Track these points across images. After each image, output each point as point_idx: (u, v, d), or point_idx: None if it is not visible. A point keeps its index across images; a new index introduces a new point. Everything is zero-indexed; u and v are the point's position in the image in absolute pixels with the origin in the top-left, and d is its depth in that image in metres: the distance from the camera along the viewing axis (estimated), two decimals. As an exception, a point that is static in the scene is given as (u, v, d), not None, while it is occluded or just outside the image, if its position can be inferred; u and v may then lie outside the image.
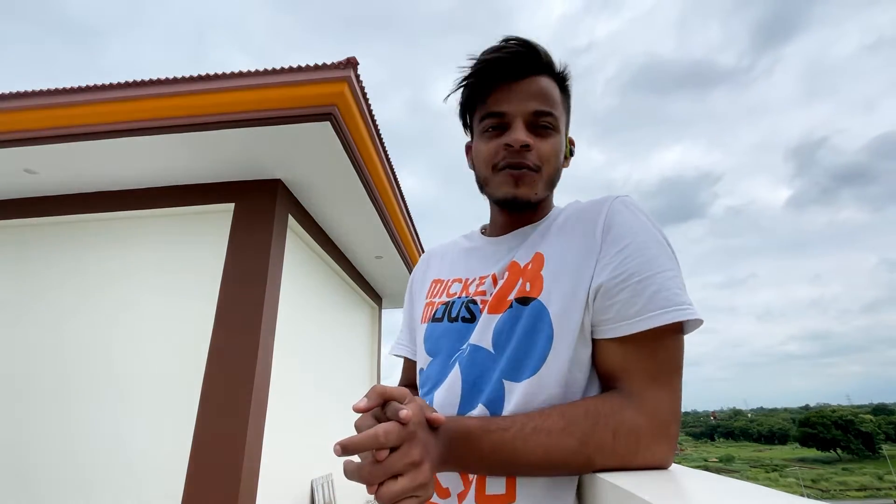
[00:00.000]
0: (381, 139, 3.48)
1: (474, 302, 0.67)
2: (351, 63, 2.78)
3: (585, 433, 0.49)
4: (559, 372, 0.56)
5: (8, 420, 3.18)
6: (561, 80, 0.69)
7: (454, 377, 0.63)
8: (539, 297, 0.59)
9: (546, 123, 0.65)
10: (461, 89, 0.69)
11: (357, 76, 2.87)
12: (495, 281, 0.67)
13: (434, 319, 0.71)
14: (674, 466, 0.51)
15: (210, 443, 2.78)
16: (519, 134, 0.63)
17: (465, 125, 0.75)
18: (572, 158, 0.74)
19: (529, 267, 0.63)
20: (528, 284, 0.61)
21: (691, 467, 0.50)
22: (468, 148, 0.77)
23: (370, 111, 3.14)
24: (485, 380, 0.60)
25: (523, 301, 0.60)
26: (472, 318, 0.66)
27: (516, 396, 0.56)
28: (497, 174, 0.66)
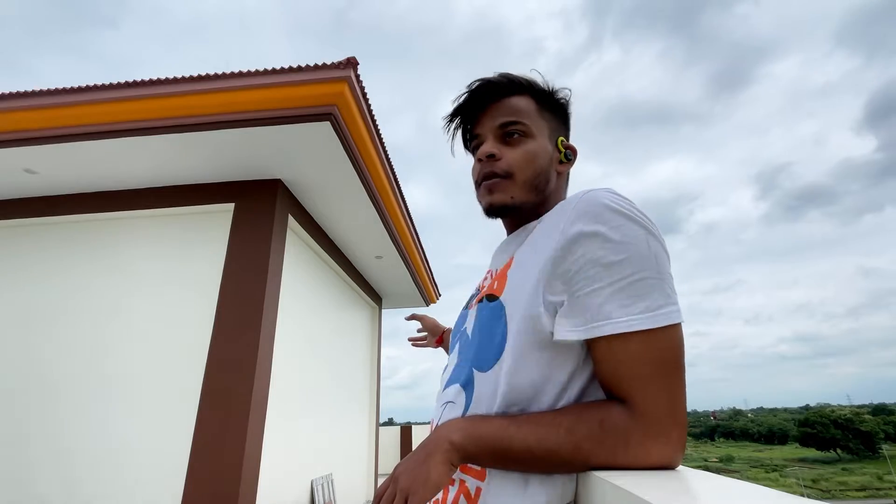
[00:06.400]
0: (381, 139, 3.48)
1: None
2: (351, 63, 2.78)
3: (571, 424, 0.51)
4: (511, 370, 0.57)
5: (5, 420, 3.18)
6: (542, 94, 0.74)
7: (452, 357, 0.73)
8: (500, 296, 0.63)
9: (515, 131, 0.70)
10: (454, 124, 0.78)
11: (357, 76, 2.87)
12: (491, 276, 0.74)
13: (464, 308, 0.82)
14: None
15: (210, 443, 2.78)
16: (485, 146, 0.70)
17: (467, 152, 0.82)
18: (571, 165, 0.76)
19: (505, 267, 0.68)
20: (496, 283, 0.67)
21: (692, 467, 0.50)
22: None
23: (370, 111, 3.14)
24: (461, 363, 0.68)
25: (490, 297, 0.66)
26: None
27: (477, 386, 0.61)
28: (479, 188, 0.73)
